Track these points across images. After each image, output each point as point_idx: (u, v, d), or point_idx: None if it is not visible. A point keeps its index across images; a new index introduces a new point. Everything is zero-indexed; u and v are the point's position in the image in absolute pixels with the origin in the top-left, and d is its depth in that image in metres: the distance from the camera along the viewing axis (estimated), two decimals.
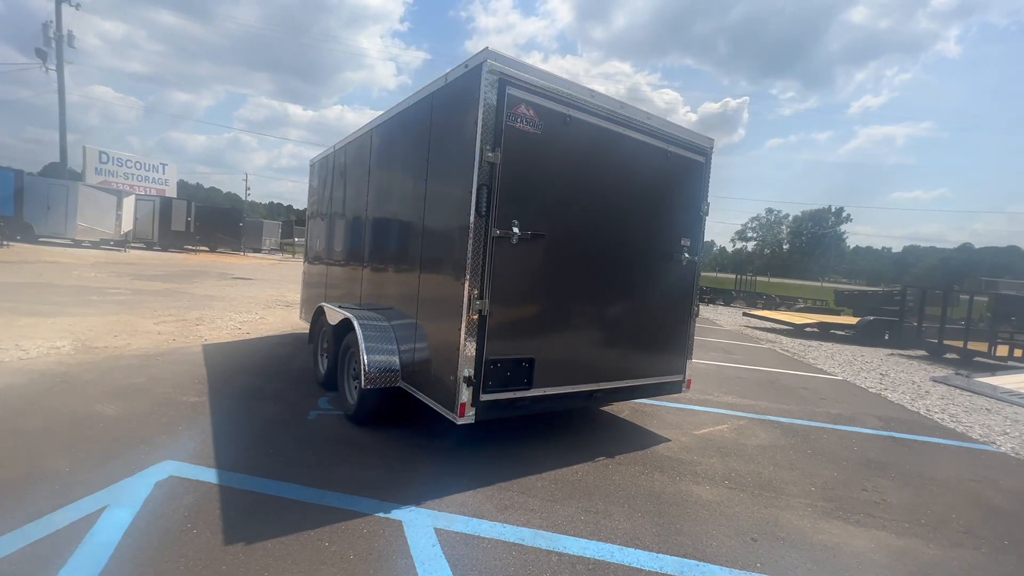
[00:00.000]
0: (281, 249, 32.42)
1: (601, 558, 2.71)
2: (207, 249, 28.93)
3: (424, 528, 2.84)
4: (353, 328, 4.24)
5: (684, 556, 2.80)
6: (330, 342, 5.07)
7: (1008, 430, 6.22)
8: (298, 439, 3.94)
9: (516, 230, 3.38)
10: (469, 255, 3.25)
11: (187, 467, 3.30)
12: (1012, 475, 4.64)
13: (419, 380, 3.82)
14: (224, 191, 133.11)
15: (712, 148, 4.68)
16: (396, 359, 4.10)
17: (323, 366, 5.45)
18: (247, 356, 6.48)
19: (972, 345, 11.66)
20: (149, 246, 26.61)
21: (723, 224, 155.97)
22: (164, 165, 35.66)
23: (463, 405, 3.28)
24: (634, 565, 2.67)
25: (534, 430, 4.53)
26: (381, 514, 2.94)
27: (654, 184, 4.28)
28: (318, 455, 3.68)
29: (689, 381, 4.78)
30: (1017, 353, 11.35)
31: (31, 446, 3.42)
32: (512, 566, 2.57)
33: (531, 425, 4.63)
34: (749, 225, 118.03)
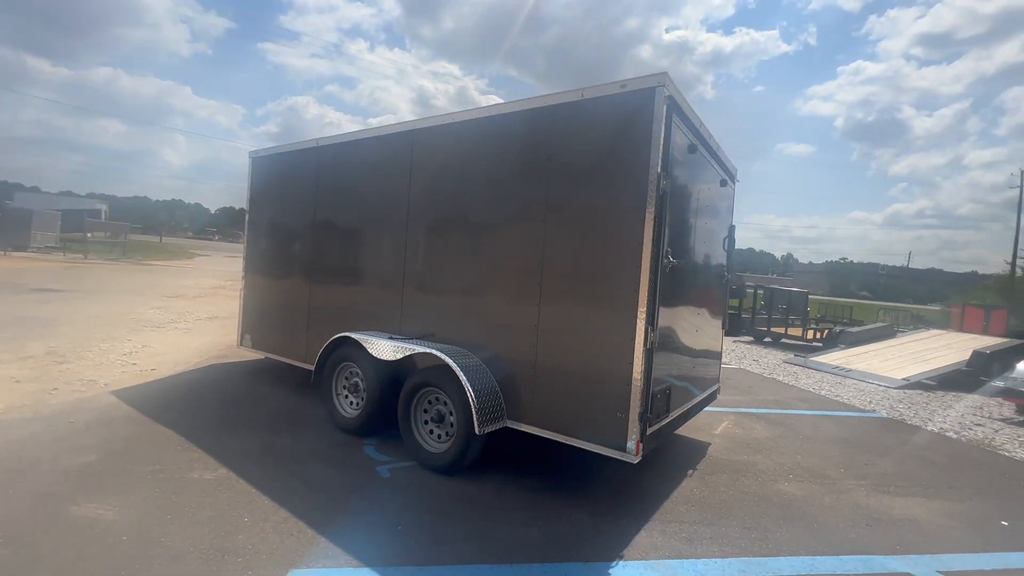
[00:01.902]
0: (63, 247, 24.70)
1: (817, 572, 2.90)
2: None
3: None
4: (446, 367, 3.66)
5: (856, 553, 3.16)
6: (372, 381, 4.24)
7: (868, 398, 8.26)
8: (406, 506, 3.25)
9: (671, 258, 3.35)
10: (642, 285, 3.11)
11: (330, 574, 2.49)
12: (914, 434, 6.23)
13: (552, 420, 3.49)
14: None
15: (737, 174, 5.23)
16: (501, 397, 3.68)
17: (347, 408, 4.53)
18: (200, 402, 4.98)
19: (790, 331, 15.09)
20: None
21: None
22: None
23: (639, 443, 3.14)
24: (844, 571, 2.93)
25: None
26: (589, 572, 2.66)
27: (717, 209, 4.63)
28: (455, 522, 3.11)
29: (719, 387, 5.28)
30: (818, 336, 15.03)
31: None
32: None
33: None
34: None
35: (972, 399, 8.90)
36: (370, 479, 3.62)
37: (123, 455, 3.61)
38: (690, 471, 4.30)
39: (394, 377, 4.28)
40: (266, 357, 6.28)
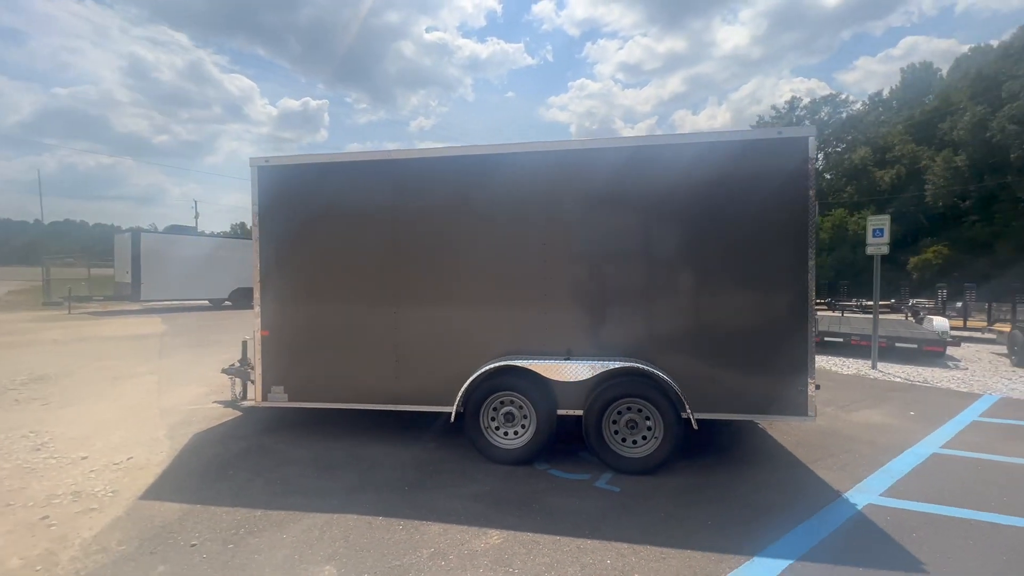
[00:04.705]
0: None
1: (913, 465, 4.37)
2: None
3: (876, 497, 3.73)
4: (643, 375, 4.03)
5: (904, 450, 4.78)
6: (541, 405, 4.19)
7: None
8: (679, 509, 3.57)
9: None
10: (810, 286, 4.09)
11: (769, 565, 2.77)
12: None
13: (738, 404, 4.19)
14: None
15: None
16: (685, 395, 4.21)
17: (503, 440, 4.33)
18: (308, 478, 3.99)
19: None
20: None
21: None
22: None
23: (815, 407, 4.13)
24: (917, 462, 4.48)
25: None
26: (855, 507, 3.58)
27: None
28: (726, 508, 3.60)
29: None
30: None
31: None
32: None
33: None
34: None
35: None
36: (611, 497, 3.73)
37: (357, 557, 2.89)
38: (761, 425, 5.52)
39: (554, 398, 4.31)
40: (231, 403, 5.11)
